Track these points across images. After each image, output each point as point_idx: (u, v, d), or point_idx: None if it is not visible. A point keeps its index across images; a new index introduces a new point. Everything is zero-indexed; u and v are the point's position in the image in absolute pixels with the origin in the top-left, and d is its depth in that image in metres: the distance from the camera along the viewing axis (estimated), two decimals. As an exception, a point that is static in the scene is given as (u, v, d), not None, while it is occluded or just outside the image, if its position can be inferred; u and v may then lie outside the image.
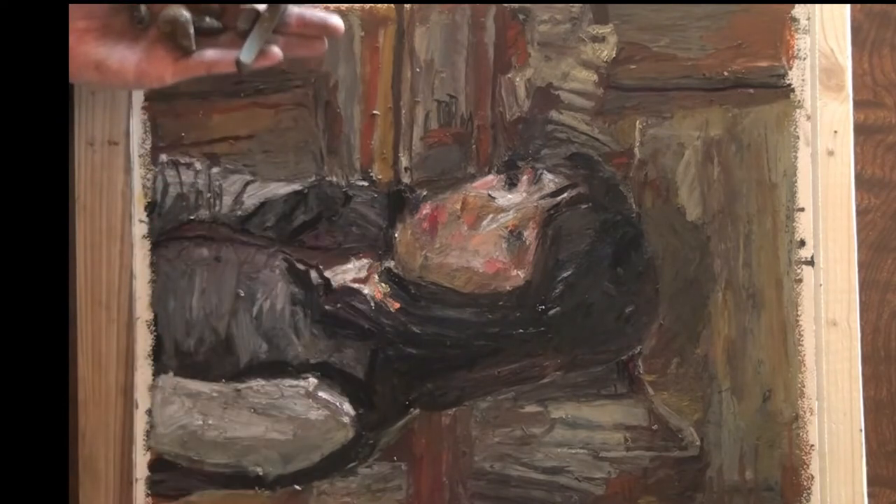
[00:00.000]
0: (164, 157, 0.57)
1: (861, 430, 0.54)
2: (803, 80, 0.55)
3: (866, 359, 0.56)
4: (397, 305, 0.56)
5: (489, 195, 0.56)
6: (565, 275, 0.55)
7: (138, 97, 0.57)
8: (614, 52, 0.56)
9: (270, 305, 0.57)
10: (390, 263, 0.56)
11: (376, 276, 0.56)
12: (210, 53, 0.49)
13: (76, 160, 0.57)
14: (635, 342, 0.56)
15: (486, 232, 0.56)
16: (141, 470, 0.56)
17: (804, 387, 0.55)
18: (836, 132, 0.55)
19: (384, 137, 0.57)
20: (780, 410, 0.55)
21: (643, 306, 0.55)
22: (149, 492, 0.56)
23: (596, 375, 0.56)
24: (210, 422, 0.57)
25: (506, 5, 0.56)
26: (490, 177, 0.56)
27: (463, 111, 0.56)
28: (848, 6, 0.55)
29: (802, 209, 0.55)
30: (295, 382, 0.56)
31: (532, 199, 0.56)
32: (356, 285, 0.56)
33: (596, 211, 0.56)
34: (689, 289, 0.55)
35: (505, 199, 0.56)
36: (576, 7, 0.56)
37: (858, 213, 0.56)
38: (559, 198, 0.56)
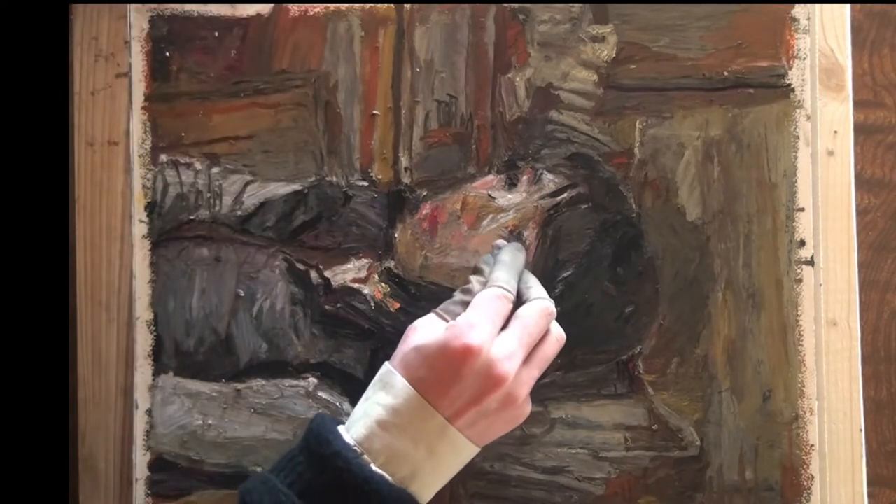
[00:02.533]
0: (164, 157, 0.57)
1: (861, 430, 0.54)
2: (803, 80, 0.55)
3: (866, 359, 0.56)
4: (397, 305, 0.56)
5: (489, 195, 0.56)
6: (565, 275, 0.55)
7: (138, 97, 0.57)
8: (614, 52, 0.56)
9: (270, 305, 0.57)
10: (390, 263, 0.56)
11: (376, 276, 0.56)
12: None
13: (76, 160, 0.57)
14: (635, 342, 0.56)
15: (486, 232, 0.56)
16: (141, 470, 0.56)
17: (804, 387, 0.55)
18: (836, 132, 0.55)
19: (384, 137, 0.57)
20: (780, 410, 0.55)
21: (643, 306, 0.55)
22: (149, 492, 0.56)
23: (596, 375, 0.56)
24: (210, 422, 0.57)
25: (506, 5, 0.56)
26: (490, 177, 0.56)
27: (463, 111, 0.56)
28: (848, 6, 0.55)
29: (802, 209, 0.55)
30: (295, 382, 0.56)
31: (532, 199, 0.56)
32: (356, 285, 0.56)
33: (596, 211, 0.56)
34: (689, 289, 0.55)
35: (505, 199, 0.56)
36: (576, 7, 0.56)
37: (858, 213, 0.56)
38: (559, 198, 0.56)
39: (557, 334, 0.50)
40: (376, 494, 0.44)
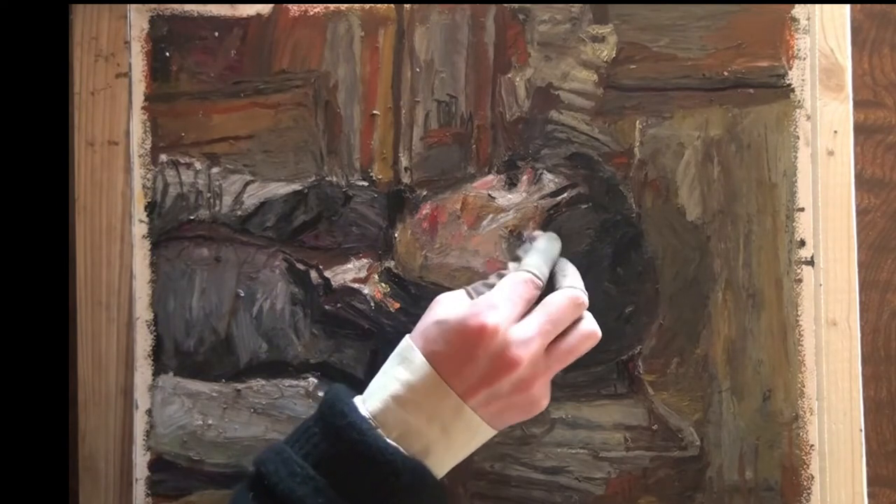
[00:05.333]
0: (164, 157, 0.57)
1: (861, 430, 0.54)
2: (803, 80, 0.55)
3: (866, 359, 0.56)
4: (397, 305, 0.56)
5: (489, 195, 0.56)
6: (565, 275, 0.55)
7: (138, 97, 0.57)
8: (614, 52, 0.56)
9: (270, 305, 0.57)
10: (390, 263, 0.56)
11: (376, 276, 0.56)
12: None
13: (76, 160, 0.57)
14: (635, 342, 0.56)
15: (486, 232, 0.56)
16: (141, 470, 0.56)
17: (804, 387, 0.55)
18: (836, 132, 0.55)
19: (384, 137, 0.57)
20: (780, 410, 0.55)
21: (643, 306, 0.55)
22: (149, 492, 0.56)
23: (596, 375, 0.56)
24: (210, 422, 0.57)
25: (506, 5, 0.56)
26: (490, 177, 0.56)
27: (463, 111, 0.56)
28: (848, 6, 0.55)
29: (802, 209, 0.55)
30: (295, 382, 0.56)
31: (532, 199, 0.56)
32: (356, 285, 0.56)
33: (596, 211, 0.56)
34: (689, 289, 0.55)
35: (505, 199, 0.56)
36: (576, 7, 0.56)
37: (858, 213, 0.56)
38: (559, 198, 0.56)
39: (588, 328, 0.49)
40: (390, 465, 0.44)
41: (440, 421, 0.45)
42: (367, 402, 0.46)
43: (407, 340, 0.48)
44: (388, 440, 0.45)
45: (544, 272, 0.50)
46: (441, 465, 0.47)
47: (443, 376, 0.46)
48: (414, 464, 0.45)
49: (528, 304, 0.48)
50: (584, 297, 0.49)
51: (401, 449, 0.45)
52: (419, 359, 0.46)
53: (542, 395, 0.48)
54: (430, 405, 0.45)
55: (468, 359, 0.46)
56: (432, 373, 0.46)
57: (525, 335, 0.46)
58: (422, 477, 0.45)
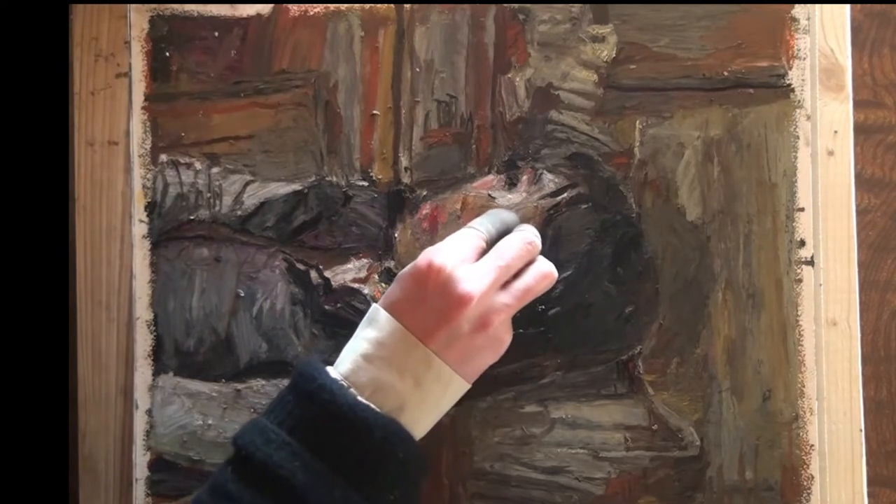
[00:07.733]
0: (164, 157, 0.57)
1: (861, 430, 0.54)
2: (803, 80, 0.55)
3: (866, 359, 0.56)
4: (397, 305, 0.56)
5: (489, 195, 0.56)
6: (565, 275, 0.55)
7: (138, 97, 0.57)
8: (614, 52, 0.56)
9: (270, 305, 0.57)
10: (390, 263, 0.56)
11: (376, 276, 0.56)
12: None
13: (76, 160, 0.57)
14: (635, 342, 0.56)
15: (486, 232, 0.56)
16: (141, 470, 0.57)
17: (804, 387, 0.55)
18: (836, 132, 0.55)
19: (384, 137, 0.57)
20: (780, 410, 0.55)
21: (643, 306, 0.55)
22: (149, 492, 0.56)
23: (596, 375, 0.56)
24: (210, 422, 0.57)
25: (506, 5, 0.56)
26: (490, 177, 0.56)
27: (463, 111, 0.56)
28: (848, 6, 0.55)
29: (802, 209, 0.55)
30: (295, 382, 0.56)
31: (532, 199, 0.56)
32: (356, 285, 0.56)
33: (596, 211, 0.56)
34: (689, 289, 0.55)
35: (505, 199, 0.56)
36: (576, 7, 0.56)
37: (858, 213, 0.56)
38: (559, 198, 0.56)
39: (543, 267, 0.50)
40: (362, 422, 0.45)
41: (411, 373, 0.46)
42: (339, 367, 0.47)
43: (374, 305, 0.49)
44: (360, 398, 0.45)
45: (489, 229, 0.51)
46: (417, 422, 0.47)
47: (403, 322, 0.47)
48: (386, 420, 0.45)
49: (474, 251, 0.49)
50: (536, 240, 0.51)
51: (372, 406, 0.45)
52: (383, 315, 0.48)
53: (503, 333, 0.49)
54: (399, 358, 0.46)
55: (421, 298, 0.47)
56: (397, 325, 0.47)
57: (474, 272, 0.47)
58: (395, 432, 0.46)
